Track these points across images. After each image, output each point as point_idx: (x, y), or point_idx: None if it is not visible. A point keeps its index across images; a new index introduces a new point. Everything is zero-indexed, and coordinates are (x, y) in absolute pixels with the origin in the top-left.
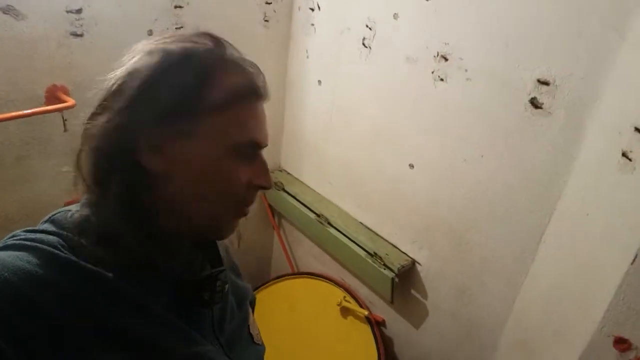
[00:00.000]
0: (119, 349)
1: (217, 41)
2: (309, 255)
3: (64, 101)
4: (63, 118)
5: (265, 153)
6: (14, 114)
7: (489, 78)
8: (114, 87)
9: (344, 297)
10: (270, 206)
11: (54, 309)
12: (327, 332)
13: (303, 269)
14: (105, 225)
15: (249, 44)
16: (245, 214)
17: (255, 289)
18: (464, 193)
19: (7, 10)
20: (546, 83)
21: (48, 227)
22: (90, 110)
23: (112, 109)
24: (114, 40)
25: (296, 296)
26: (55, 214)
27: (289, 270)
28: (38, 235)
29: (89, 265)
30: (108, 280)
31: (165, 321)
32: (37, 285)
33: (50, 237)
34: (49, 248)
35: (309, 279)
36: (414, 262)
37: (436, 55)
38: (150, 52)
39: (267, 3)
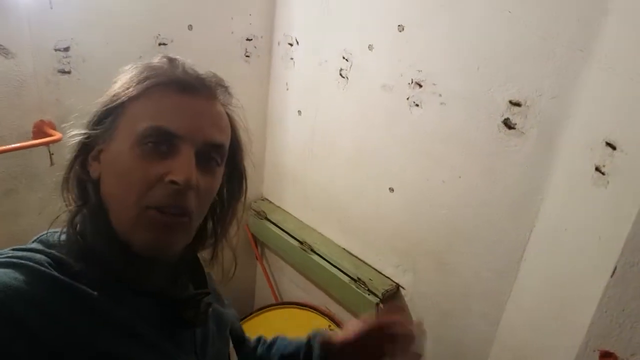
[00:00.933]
0: None
1: (170, 60)
2: (293, 284)
3: (51, 135)
4: (50, 152)
5: (248, 183)
6: (1, 148)
7: (463, 101)
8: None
9: (329, 325)
10: (253, 236)
11: (39, 325)
12: None
13: (287, 298)
14: (85, 240)
15: (230, 78)
16: (166, 223)
17: (239, 320)
18: (443, 214)
19: None
20: (518, 104)
21: (36, 246)
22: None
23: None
24: (100, 76)
25: (281, 327)
26: (42, 235)
27: (273, 301)
28: (26, 253)
29: (75, 283)
30: (93, 299)
31: (148, 341)
32: (23, 302)
33: (37, 255)
34: (36, 265)
35: (293, 309)
36: (398, 287)
37: (410, 82)
38: None
39: (247, 40)
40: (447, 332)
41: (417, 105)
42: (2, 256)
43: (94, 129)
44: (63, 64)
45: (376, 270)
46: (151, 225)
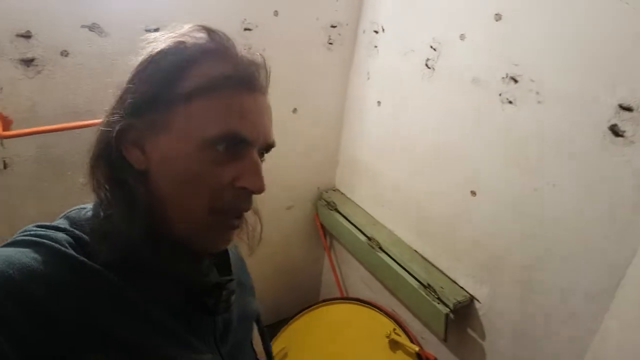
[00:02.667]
0: (115, 351)
1: (210, 33)
2: (360, 280)
3: None
4: None
5: (321, 173)
6: (89, 122)
7: (563, 101)
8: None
9: (394, 329)
10: (322, 226)
11: (54, 307)
12: None
13: (352, 293)
14: (111, 224)
15: (311, 65)
16: (231, 226)
17: (303, 310)
18: (532, 226)
19: (93, 27)
20: (629, 109)
21: (61, 223)
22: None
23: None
24: None
25: (343, 322)
26: (71, 211)
27: (338, 294)
28: (47, 232)
29: (94, 265)
30: (111, 282)
31: (165, 327)
32: (39, 283)
33: (59, 234)
34: (56, 245)
35: (359, 306)
36: (472, 299)
37: (505, 76)
38: (144, 52)
39: (332, 27)
40: (524, 354)
41: (510, 102)
42: (25, 233)
43: (138, 116)
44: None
45: (449, 278)
46: (216, 229)
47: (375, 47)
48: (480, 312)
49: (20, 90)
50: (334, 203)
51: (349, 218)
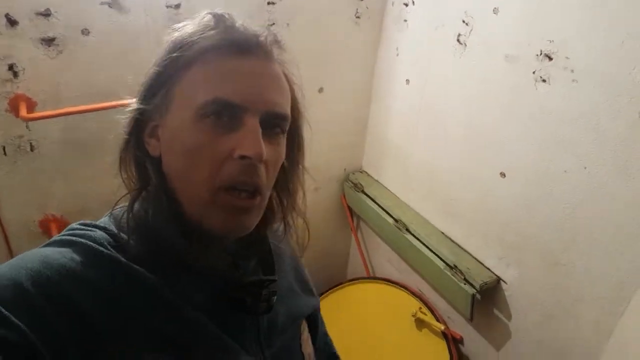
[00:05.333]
0: (152, 350)
1: (216, 16)
2: (386, 261)
3: None
4: None
5: (348, 154)
6: (114, 103)
7: (599, 80)
8: None
9: (420, 308)
10: (349, 207)
11: (90, 307)
12: (399, 342)
13: (379, 274)
14: (146, 221)
15: (338, 40)
16: (240, 207)
17: (330, 289)
18: (562, 208)
19: (112, 4)
20: None
21: (103, 221)
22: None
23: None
24: None
25: (370, 301)
26: (116, 208)
27: (365, 274)
28: (87, 232)
29: (132, 265)
30: (148, 281)
31: (202, 327)
32: (77, 284)
33: (98, 233)
34: (94, 245)
35: (385, 285)
36: (498, 280)
37: (539, 53)
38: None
39: None
40: (550, 335)
41: (544, 80)
42: (67, 232)
43: (147, 103)
44: (174, 21)
45: (476, 259)
46: (225, 210)
47: (405, 21)
48: (507, 293)
49: (43, 71)
50: (360, 184)
51: (375, 200)
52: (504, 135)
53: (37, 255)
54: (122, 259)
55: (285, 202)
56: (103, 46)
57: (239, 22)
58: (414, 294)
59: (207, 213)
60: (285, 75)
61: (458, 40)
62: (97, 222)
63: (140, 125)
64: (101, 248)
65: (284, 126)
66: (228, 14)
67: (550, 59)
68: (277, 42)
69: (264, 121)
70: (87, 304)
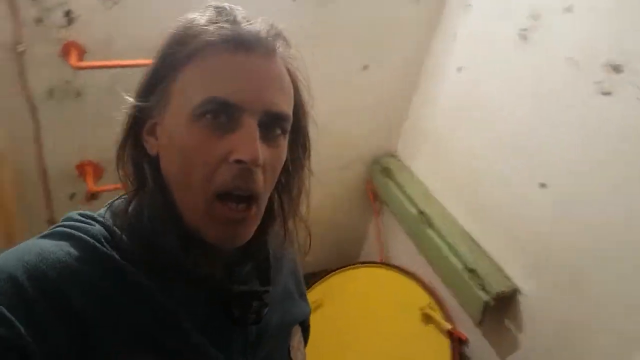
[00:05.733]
0: (143, 351)
1: (217, 8)
2: (403, 250)
3: None
4: None
5: (382, 136)
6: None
7: None
8: None
9: (429, 303)
10: (373, 191)
11: (84, 303)
12: (401, 333)
13: (393, 262)
14: (142, 222)
15: (392, 16)
16: (235, 218)
17: (341, 267)
18: (600, 225)
19: None
20: None
21: (102, 214)
22: None
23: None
24: None
25: (380, 286)
26: (115, 200)
27: (378, 259)
28: (84, 225)
29: (126, 264)
30: (141, 283)
31: (188, 335)
32: (72, 280)
33: (96, 228)
34: (90, 240)
35: (397, 274)
36: (515, 291)
37: (605, 63)
38: None
39: None
40: (561, 354)
41: (605, 93)
42: (66, 224)
43: (145, 100)
44: None
45: (496, 265)
46: (221, 222)
47: (469, 5)
48: (522, 305)
49: (96, 21)
50: (389, 169)
51: (402, 187)
52: (551, 143)
53: (35, 247)
54: (117, 257)
55: (287, 207)
56: (160, 3)
57: (241, 15)
58: (425, 287)
59: (203, 223)
60: (290, 73)
61: (521, 35)
62: (96, 215)
63: (138, 122)
64: (98, 244)
65: (285, 127)
66: (230, 6)
67: (618, 71)
68: (280, 36)
69: (263, 122)
70: (81, 300)
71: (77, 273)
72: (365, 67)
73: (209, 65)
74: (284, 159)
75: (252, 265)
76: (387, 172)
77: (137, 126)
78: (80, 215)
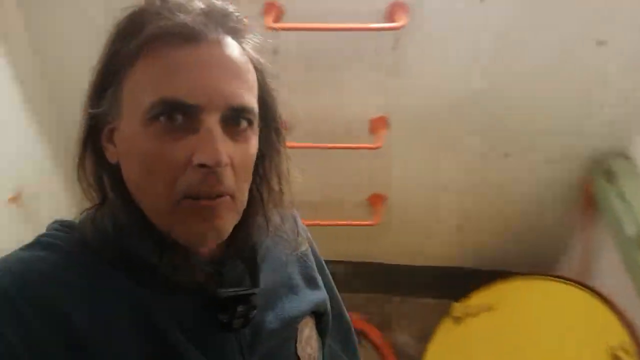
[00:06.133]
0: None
1: None
2: (608, 272)
3: (398, 21)
4: (396, 36)
5: (610, 131)
6: (358, 26)
7: None
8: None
9: (624, 343)
10: (589, 195)
11: (73, 311)
12: None
13: (592, 283)
14: (110, 233)
15: None
16: (204, 214)
17: (528, 273)
18: None
19: None
20: None
21: (82, 221)
22: None
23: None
24: None
25: (566, 307)
26: (86, 210)
27: (574, 275)
28: (65, 234)
29: (109, 271)
30: (125, 292)
31: (178, 346)
32: (60, 289)
33: (76, 236)
34: (72, 249)
35: (592, 297)
36: None
37: None
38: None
39: None
40: None
41: None
42: (47, 233)
43: (97, 107)
44: None
45: None
46: (190, 216)
47: None
48: None
49: None
50: (614, 172)
51: (627, 198)
52: None
53: (18, 258)
54: (99, 265)
55: (266, 195)
56: None
57: (185, 1)
58: (625, 323)
59: (171, 223)
60: (248, 56)
61: None
62: (76, 223)
63: (94, 130)
64: (80, 253)
65: (251, 118)
66: None
67: None
68: (230, 17)
69: (226, 117)
70: (70, 308)
71: (64, 282)
72: (601, 43)
73: (155, 62)
74: (255, 151)
75: (243, 265)
76: (610, 175)
77: (94, 134)
78: (60, 224)
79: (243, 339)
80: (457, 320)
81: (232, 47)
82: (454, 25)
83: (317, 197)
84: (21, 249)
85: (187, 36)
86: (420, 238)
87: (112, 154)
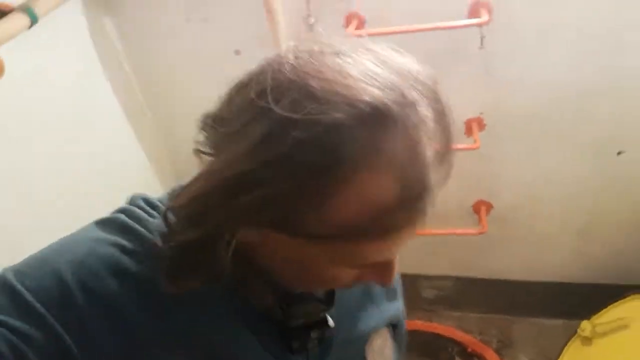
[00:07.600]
0: None
1: (405, 104)
2: None
3: (482, 16)
4: (481, 34)
5: None
6: (440, 25)
7: None
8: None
9: None
10: None
11: (136, 310)
12: None
13: None
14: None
15: None
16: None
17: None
18: None
19: None
20: None
21: (165, 203)
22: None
23: (228, 154)
24: None
25: None
26: (177, 187)
27: None
28: (146, 217)
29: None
30: (196, 294)
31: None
32: (125, 282)
33: (156, 223)
34: (149, 237)
35: None
36: None
37: None
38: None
39: None
40: None
41: None
42: (127, 212)
43: (261, 221)
44: None
45: None
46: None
47: None
48: None
49: None
50: None
51: None
52: None
53: (88, 239)
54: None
55: None
56: None
57: (428, 126)
58: None
59: (298, 288)
60: None
61: None
62: (160, 204)
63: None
64: (156, 244)
65: None
66: (413, 94)
67: None
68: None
69: None
70: (132, 306)
71: (130, 275)
72: None
73: (376, 244)
74: None
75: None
76: None
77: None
78: (145, 202)
79: (311, 356)
80: (586, 340)
81: None
82: (556, 17)
83: None
84: (95, 223)
85: (422, 217)
86: (534, 249)
87: (251, 236)
